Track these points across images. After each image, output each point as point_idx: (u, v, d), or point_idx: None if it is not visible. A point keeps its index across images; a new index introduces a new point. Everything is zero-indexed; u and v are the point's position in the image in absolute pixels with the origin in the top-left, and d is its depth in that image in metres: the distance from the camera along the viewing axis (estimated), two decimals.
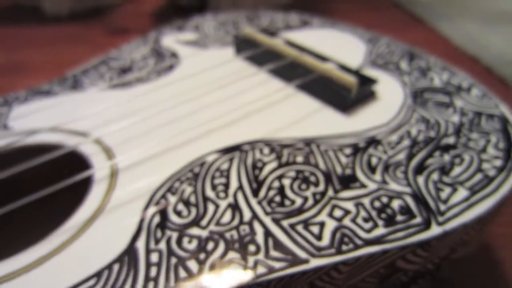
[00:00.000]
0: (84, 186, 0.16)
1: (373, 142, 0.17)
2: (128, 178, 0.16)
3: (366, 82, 0.20)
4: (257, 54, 0.24)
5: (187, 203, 0.15)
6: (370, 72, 0.23)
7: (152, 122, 0.19)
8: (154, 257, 0.13)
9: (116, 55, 0.26)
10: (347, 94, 0.19)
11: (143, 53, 0.26)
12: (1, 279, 0.12)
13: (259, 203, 0.15)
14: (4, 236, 0.16)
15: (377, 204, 0.14)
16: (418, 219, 0.14)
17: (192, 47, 0.26)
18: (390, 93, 0.21)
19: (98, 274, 0.12)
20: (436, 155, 0.17)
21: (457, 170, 0.16)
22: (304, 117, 0.19)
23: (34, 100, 0.21)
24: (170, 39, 0.27)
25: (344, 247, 0.13)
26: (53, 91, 0.22)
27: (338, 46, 0.26)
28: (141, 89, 0.22)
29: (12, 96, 0.22)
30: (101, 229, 0.14)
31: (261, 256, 0.13)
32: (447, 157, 0.17)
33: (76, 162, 0.17)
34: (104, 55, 0.25)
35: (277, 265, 0.12)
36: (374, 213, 0.14)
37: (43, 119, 0.20)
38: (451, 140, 0.18)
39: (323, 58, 0.22)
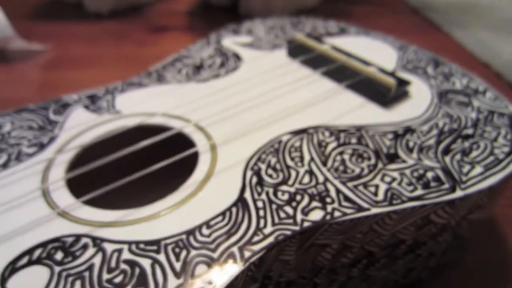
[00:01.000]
0: (192, 158, 0.22)
1: (409, 130, 0.23)
2: (225, 151, 0.22)
3: (402, 83, 0.26)
4: (310, 58, 0.29)
5: (274, 169, 0.20)
6: (403, 75, 0.28)
7: (233, 110, 0.25)
8: (260, 204, 0.18)
9: (187, 54, 0.31)
10: (387, 92, 0.25)
11: (209, 53, 0.31)
12: (152, 216, 0.18)
13: (328, 170, 0.20)
14: (140, 193, 0.21)
15: (415, 174, 0.20)
16: (446, 185, 0.19)
17: (249, 49, 0.32)
18: (420, 93, 0.27)
19: (223, 214, 0.18)
20: (458, 142, 0.22)
21: (474, 153, 0.22)
22: (353, 110, 0.25)
23: (129, 90, 0.27)
24: (229, 41, 0.33)
25: (394, 201, 0.19)
26: (142, 83, 0.28)
27: (374, 52, 0.31)
28: (218, 83, 0.27)
29: (111, 86, 0.27)
30: (215, 185, 0.19)
31: (335, 205, 0.18)
32: (466, 144, 0.22)
33: (181, 140, 0.23)
34: (176, 54, 0.31)
35: (348, 211, 0.18)
36: (414, 180, 0.20)
37: (143, 105, 0.25)
38: (470, 131, 0.23)
39: (365, 62, 0.28)
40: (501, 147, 0.22)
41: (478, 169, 0.20)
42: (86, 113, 0.25)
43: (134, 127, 0.24)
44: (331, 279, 0.21)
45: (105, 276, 0.15)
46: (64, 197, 0.19)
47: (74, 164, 0.21)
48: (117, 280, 0.15)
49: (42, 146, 0.22)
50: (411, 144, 0.22)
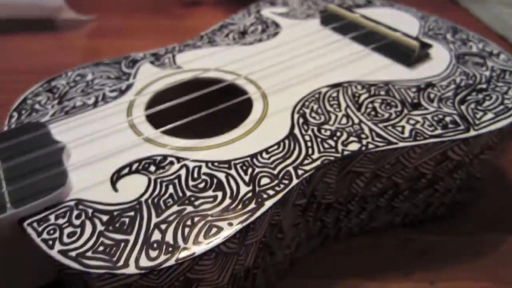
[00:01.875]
0: (244, 106, 0.25)
1: (430, 85, 0.27)
2: (274, 99, 0.25)
3: (424, 46, 0.29)
4: (341, 25, 0.33)
5: (317, 113, 0.24)
6: (425, 40, 0.32)
7: (278, 67, 0.28)
8: (307, 137, 0.22)
9: (231, 21, 0.35)
10: (411, 53, 0.29)
11: (251, 21, 0.35)
12: (221, 144, 0.22)
13: (362, 114, 0.24)
14: (201, 131, 0.25)
15: (435, 118, 0.24)
16: (462, 127, 0.23)
17: (286, 18, 0.35)
18: (440, 55, 0.30)
19: (278, 144, 0.22)
20: (473, 94, 0.26)
21: (487, 103, 0.25)
22: (381, 68, 0.28)
23: (186, 50, 0.31)
24: (267, 11, 0.37)
25: (417, 138, 0.22)
26: (196, 44, 0.32)
27: (398, 21, 0.35)
28: (262, 45, 0.31)
29: (170, 47, 0.31)
30: (269, 124, 0.23)
31: (369, 139, 0.22)
32: (480, 96, 0.26)
33: (233, 90, 0.27)
34: (221, 22, 0.35)
35: (380, 144, 0.22)
36: (434, 123, 0.23)
37: (199, 62, 0.29)
38: (483, 86, 0.27)
39: (391, 29, 0.31)
40: (511, 98, 0.25)
41: (489, 115, 0.24)
42: (152, 67, 0.29)
43: (193, 79, 0.28)
44: (361, 206, 0.25)
45: (191, 183, 0.20)
46: (147, 129, 0.23)
47: (150, 104, 0.25)
48: (201, 186, 0.19)
49: (121, 91, 0.26)
50: (432, 95, 0.26)
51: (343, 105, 0.25)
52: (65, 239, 0.17)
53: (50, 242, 0.17)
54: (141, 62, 0.29)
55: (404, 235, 0.28)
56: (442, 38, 0.32)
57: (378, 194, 0.25)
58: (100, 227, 0.17)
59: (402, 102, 0.25)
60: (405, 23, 0.34)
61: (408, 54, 0.29)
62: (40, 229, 0.17)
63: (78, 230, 0.17)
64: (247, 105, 0.25)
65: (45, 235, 0.17)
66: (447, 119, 0.24)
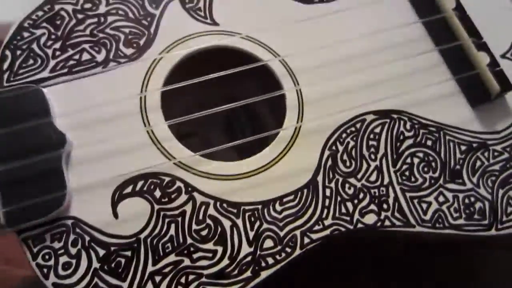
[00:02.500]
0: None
1: (483, 146, 0.24)
2: (312, 112, 0.22)
3: (505, 89, 0.24)
4: (432, 19, 0.26)
5: (350, 156, 0.22)
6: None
7: (329, 57, 0.23)
8: (328, 192, 0.21)
9: None
10: (486, 97, 0.24)
11: None
12: (240, 176, 0.20)
13: (395, 172, 0.22)
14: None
15: (466, 200, 0.22)
16: (486, 221, 0.22)
17: None
18: None
19: (295, 193, 0.20)
20: None
21: None
22: (444, 99, 0.24)
23: None
24: None
25: (437, 225, 0.21)
26: None
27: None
28: (322, 9, 0.25)
29: None
30: (296, 155, 0.21)
31: (389, 213, 0.21)
32: None
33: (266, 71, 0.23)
34: None
35: (397, 222, 0.21)
36: (462, 207, 0.22)
37: (239, 19, 0.23)
38: None
39: (481, 45, 0.25)
40: None
41: None
42: (182, 12, 0.23)
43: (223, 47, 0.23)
44: None
45: (194, 226, 0.19)
46: (159, 124, 0.20)
47: (168, 77, 0.21)
48: (203, 233, 0.19)
49: (139, 48, 0.21)
50: (478, 164, 0.23)
51: (381, 151, 0.22)
52: (60, 271, 0.17)
53: (45, 271, 0.17)
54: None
55: None
56: None
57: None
58: (95, 264, 0.17)
59: (444, 165, 0.23)
60: (502, 19, 0.27)
61: (483, 92, 0.24)
62: (35, 250, 0.17)
63: (74, 261, 0.17)
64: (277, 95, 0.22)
65: (40, 260, 0.17)
66: (477, 205, 0.22)
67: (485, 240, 0.22)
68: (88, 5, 0.22)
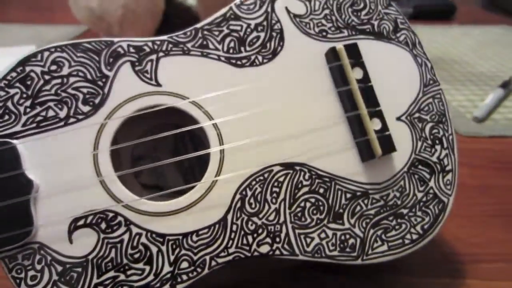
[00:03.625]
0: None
1: (365, 194, 0.31)
2: (230, 162, 0.29)
3: (387, 152, 0.31)
4: (338, 69, 0.32)
5: (256, 199, 0.29)
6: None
7: (251, 117, 0.30)
8: (234, 227, 0.28)
9: (238, 11, 0.32)
10: (372, 156, 0.31)
11: (258, 21, 0.32)
12: (168, 213, 0.27)
13: (290, 214, 0.29)
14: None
15: (342, 237, 0.30)
16: (354, 254, 0.30)
17: (296, 28, 0.33)
18: (401, 156, 0.33)
19: (208, 227, 0.28)
20: (390, 219, 0.31)
21: (393, 232, 0.31)
22: (340, 153, 0.31)
23: (172, 54, 0.30)
24: (283, 5, 0.33)
25: (316, 255, 0.29)
26: (185, 48, 0.30)
27: (399, 74, 0.34)
28: (250, 74, 0.31)
29: (157, 42, 0.30)
30: (213, 199, 0.28)
31: (279, 245, 0.29)
32: (394, 222, 0.31)
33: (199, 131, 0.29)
34: (228, 7, 0.31)
35: (285, 252, 0.29)
36: (338, 242, 0.30)
37: (179, 81, 0.30)
38: (405, 211, 0.32)
39: (377, 112, 0.32)
40: (414, 234, 0.31)
41: (384, 247, 0.31)
42: (132, 74, 0.29)
43: (166, 107, 0.29)
44: None
45: (130, 251, 0.26)
46: (108, 171, 0.27)
47: (118, 131, 0.28)
48: (136, 256, 0.26)
49: (95, 106, 0.28)
50: (357, 208, 0.31)
51: (281, 196, 0.30)
52: (29, 281, 0.25)
53: (18, 281, 0.25)
54: (122, 60, 0.29)
55: None
56: (420, 129, 0.33)
57: None
58: (55, 277, 0.25)
59: (330, 209, 0.30)
60: (405, 82, 0.34)
61: (371, 151, 0.31)
62: (10, 266, 0.25)
63: (39, 275, 0.25)
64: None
65: (14, 273, 0.25)
66: (350, 241, 0.30)
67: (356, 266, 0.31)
68: (54, 67, 0.28)
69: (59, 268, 0.25)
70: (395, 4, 0.36)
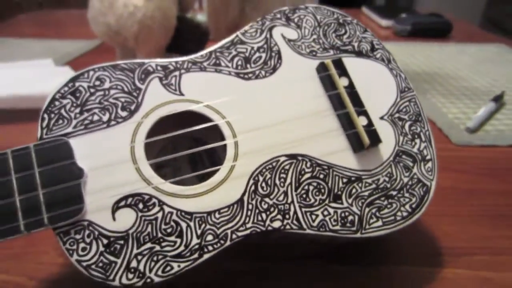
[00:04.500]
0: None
1: (359, 179, 0.37)
2: (244, 150, 0.35)
3: (374, 144, 0.38)
4: (328, 79, 0.40)
5: (266, 183, 0.35)
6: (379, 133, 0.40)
7: (260, 120, 0.37)
8: (250, 206, 0.34)
9: (243, 38, 0.40)
10: (362, 147, 0.38)
11: (260, 44, 0.40)
12: (194, 195, 0.33)
13: (296, 195, 0.35)
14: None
15: (342, 214, 0.36)
16: (354, 228, 0.35)
17: (291, 49, 0.41)
18: (386, 147, 0.39)
19: (228, 207, 0.33)
20: (382, 199, 0.37)
21: (385, 210, 0.37)
22: (336, 147, 0.38)
23: (192, 71, 0.38)
24: (279, 32, 0.41)
25: (321, 229, 0.35)
26: (202, 66, 0.38)
27: (378, 86, 0.41)
28: (255, 84, 0.38)
29: (180, 62, 0.38)
30: (230, 185, 0.34)
31: (289, 221, 0.34)
32: (386, 202, 0.37)
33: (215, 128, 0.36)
34: (235, 35, 0.40)
35: (294, 227, 0.34)
36: (339, 218, 0.35)
37: (199, 90, 0.37)
38: (394, 193, 0.38)
39: (362, 112, 0.39)
40: (404, 212, 0.37)
41: (379, 223, 0.36)
42: (160, 87, 0.36)
43: (187, 111, 0.36)
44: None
45: (163, 226, 0.32)
46: (142, 161, 0.33)
47: (151, 129, 0.35)
48: (169, 230, 0.32)
49: (131, 112, 0.35)
50: (353, 191, 0.37)
51: (288, 181, 0.36)
52: (80, 252, 0.30)
53: (71, 252, 0.30)
54: (152, 76, 0.36)
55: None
56: (401, 126, 0.41)
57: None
58: (101, 248, 0.30)
59: (330, 191, 0.36)
60: (384, 89, 0.41)
61: (360, 143, 0.38)
62: (65, 239, 0.30)
63: (88, 247, 0.30)
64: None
65: (68, 246, 0.30)
66: (349, 218, 0.36)
67: (357, 241, 0.36)
68: (97, 83, 0.35)
69: (105, 241, 0.30)
70: (394, 22, 0.44)
